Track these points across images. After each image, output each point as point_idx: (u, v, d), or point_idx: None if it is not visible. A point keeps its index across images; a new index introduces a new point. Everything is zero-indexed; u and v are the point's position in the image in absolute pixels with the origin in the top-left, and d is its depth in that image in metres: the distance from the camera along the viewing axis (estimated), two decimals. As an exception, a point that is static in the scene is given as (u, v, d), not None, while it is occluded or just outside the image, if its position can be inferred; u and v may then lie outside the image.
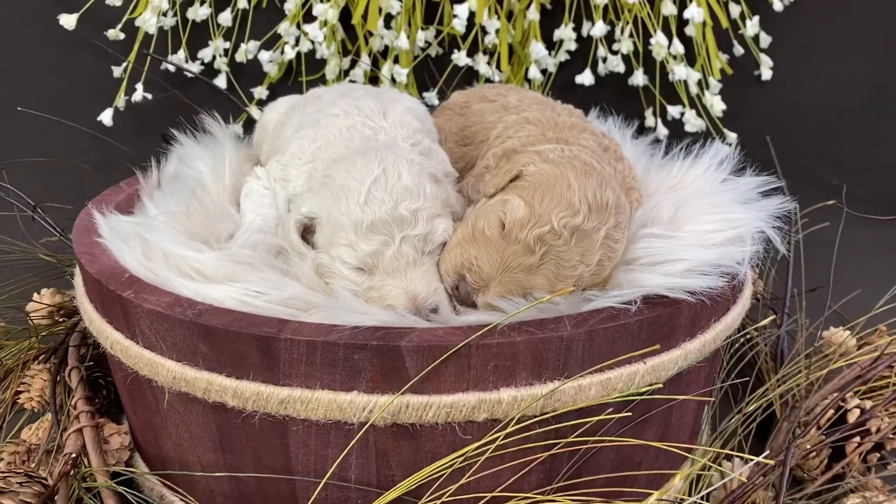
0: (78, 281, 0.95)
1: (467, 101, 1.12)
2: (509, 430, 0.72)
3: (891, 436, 1.03)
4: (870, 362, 1.08)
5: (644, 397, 0.74)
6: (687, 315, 0.81)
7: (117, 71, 1.72)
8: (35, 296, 1.24)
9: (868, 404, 1.05)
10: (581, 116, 1.02)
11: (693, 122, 1.84)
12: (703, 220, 0.87)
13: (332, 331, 0.72)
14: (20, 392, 1.06)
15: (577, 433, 0.76)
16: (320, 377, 0.73)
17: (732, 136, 1.85)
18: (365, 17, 1.75)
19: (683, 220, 0.88)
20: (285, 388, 0.74)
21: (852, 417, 1.03)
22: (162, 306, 0.77)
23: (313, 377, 0.73)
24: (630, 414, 0.76)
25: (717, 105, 1.84)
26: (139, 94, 1.72)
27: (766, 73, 1.94)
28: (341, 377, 0.73)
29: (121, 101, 1.72)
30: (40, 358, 1.11)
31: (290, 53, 1.75)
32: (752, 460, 0.73)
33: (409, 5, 1.79)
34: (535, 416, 0.75)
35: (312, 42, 1.77)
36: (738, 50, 1.91)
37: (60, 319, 1.23)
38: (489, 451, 0.72)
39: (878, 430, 1.02)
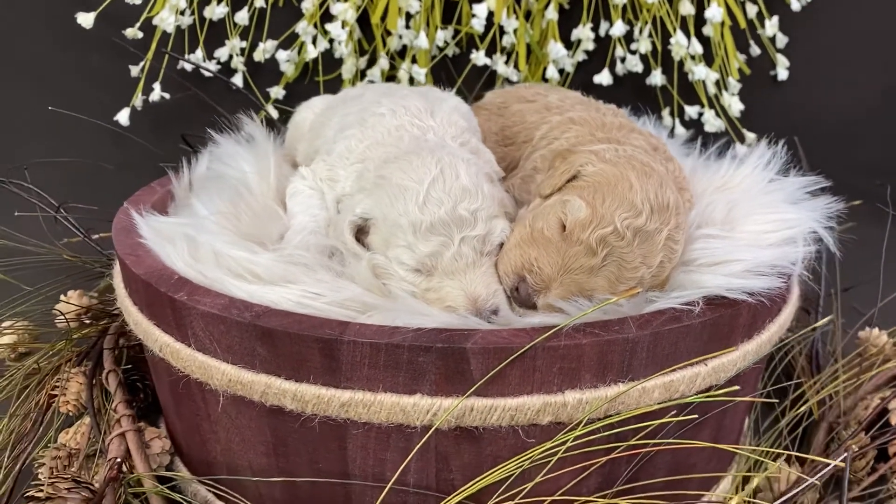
0: (118, 282, 0.93)
1: (504, 102, 1.11)
2: (578, 432, 0.71)
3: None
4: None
5: (724, 399, 0.72)
6: (746, 316, 0.80)
7: (135, 70, 1.70)
8: (62, 297, 1.22)
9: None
10: (626, 116, 1.01)
11: (713, 123, 1.84)
12: (756, 220, 0.86)
13: (395, 333, 0.71)
14: (54, 395, 1.04)
15: (638, 436, 0.76)
16: (383, 380, 0.72)
17: (751, 137, 1.85)
18: (384, 16, 1.74)
19: (737, 220, 0.87)
20: (347, 391, 0.72)
21: (895, 419, 1.03)
22: (217, 308, 0.75)
23: (376, 380, 0.72)
24: (696, 416, 0.75)
25: (734, 105, 1.84)
26: (157, 93, 1.70)
27: (783, 74, 1.94)
28: (404, 380, 0.71)
29: (138, 100, 1.70)
30: (72, 361, 1.09)
31: (312, 52, 1.74)
32: (817, 461, 0.72)
33: (427, 5, 1.78)
34: (599, 419, 0.74)
35: (331, 42, 1.76)
36: (755, 50, 1.91)
37: (87, 321, 1.21)
38: (560, 452, 0.71)
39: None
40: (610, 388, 0.73)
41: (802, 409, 1.01)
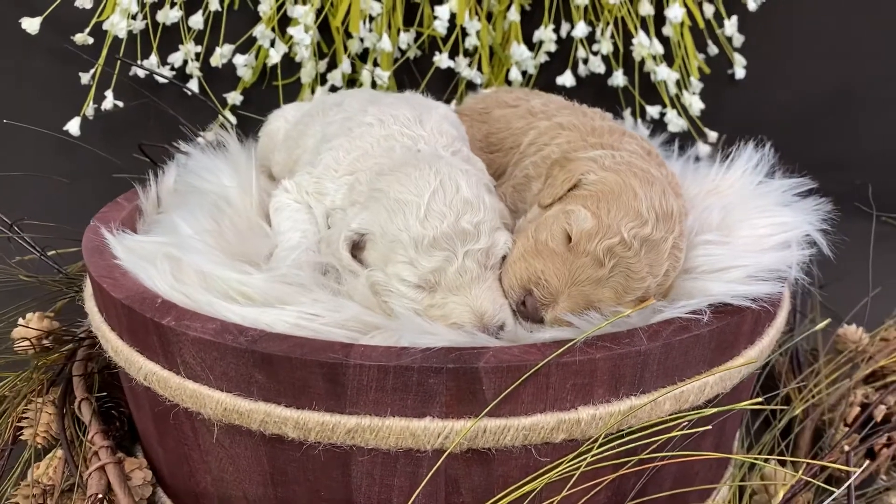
0: (92, 306, 0.88)
1: (486, 107, 1.08)
2: (596, 449, 0.69)
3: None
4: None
5: (753, 407, 0.71)
6: (749, 322, 0.79)
7: (85, 77, 1.62)
8: (20, 321, 1.15)
9: (892, 400, 1.05)
10: (612, 119, 1.00)
11: (675, 122, 1.85)
12: (753, 224, 0.86)
13: (403, 354, 0.68)
14: (21, 427, 0.98)
15: (649, 449, 0.74)
16: (391, 404, 0.69)
17: (713, 135, 1.86)
18: (344, 19, 1.70)
19: (733, 225, 0.86)
20: (353, 416, 0.69)
21: (880, 415, 1.04)
22: (209, 333, 0.71)
23: (383, 404, 0.69)
24: (709, 426, 0.74)
25: (695, 105, 1.85)
26: (109, 101, 1.63)
27: (740, 73, 1.96)
28: (413, 403, 0.68)
29: (89, 108, 1.62)
30: (39, 389, 1.03)
31: (274, 57, 1.68)
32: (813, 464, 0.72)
33: (389, 7, 1.74)
34: (612, 434, 0.72)
35: (291, 45, 1.71)
36: (713, 49, 1.92)
37: (50, 346, 1.14)
38: (580, 469, 0.69)
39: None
40: (623, 403, 0.72)
41: (797, 411, 1.02)
